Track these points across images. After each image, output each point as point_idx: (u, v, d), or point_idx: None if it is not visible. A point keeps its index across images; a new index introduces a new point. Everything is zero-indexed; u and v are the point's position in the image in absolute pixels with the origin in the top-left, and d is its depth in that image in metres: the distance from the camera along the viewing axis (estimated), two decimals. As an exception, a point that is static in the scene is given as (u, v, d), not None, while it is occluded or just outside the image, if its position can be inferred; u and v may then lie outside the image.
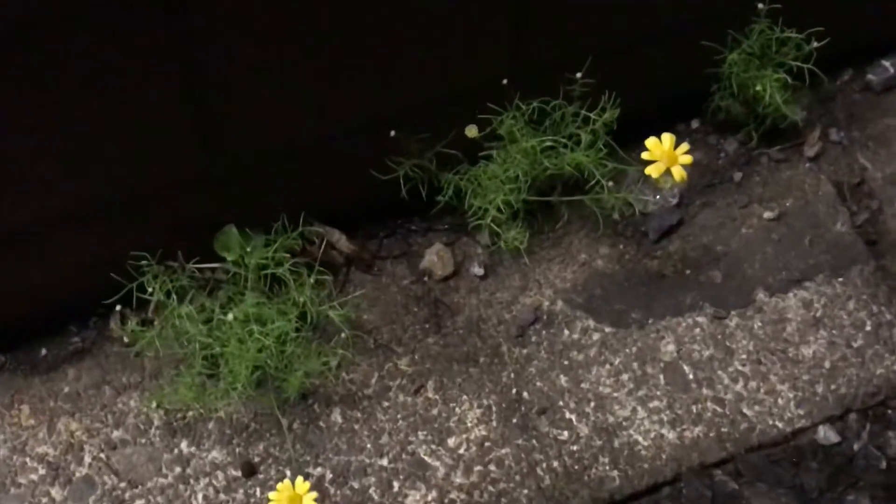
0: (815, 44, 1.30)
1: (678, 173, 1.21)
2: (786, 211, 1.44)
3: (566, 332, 1.37)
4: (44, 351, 1.35)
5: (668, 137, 1.21)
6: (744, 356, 1.35)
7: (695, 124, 1.49)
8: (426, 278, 1.40)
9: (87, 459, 1.30)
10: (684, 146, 1.23)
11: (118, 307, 1.29)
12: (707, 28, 1.31)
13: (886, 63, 1.51)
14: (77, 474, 1.29)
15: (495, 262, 1.41)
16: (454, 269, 1.40)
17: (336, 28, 1.15)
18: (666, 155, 1.20)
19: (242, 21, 1.09)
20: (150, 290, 1.22)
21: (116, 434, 1.31)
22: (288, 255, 1.28)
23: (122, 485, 1.28)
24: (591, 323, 1.37)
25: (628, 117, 1.32)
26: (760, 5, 1.28)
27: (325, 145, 1.27)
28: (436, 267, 1.40)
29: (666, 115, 1.44)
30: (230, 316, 1.18)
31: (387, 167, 1.31)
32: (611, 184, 1.30)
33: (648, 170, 1.21)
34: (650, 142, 1.21)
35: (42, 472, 1.29)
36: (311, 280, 1.27)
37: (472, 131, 1.24)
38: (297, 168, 1.28)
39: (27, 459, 1.29)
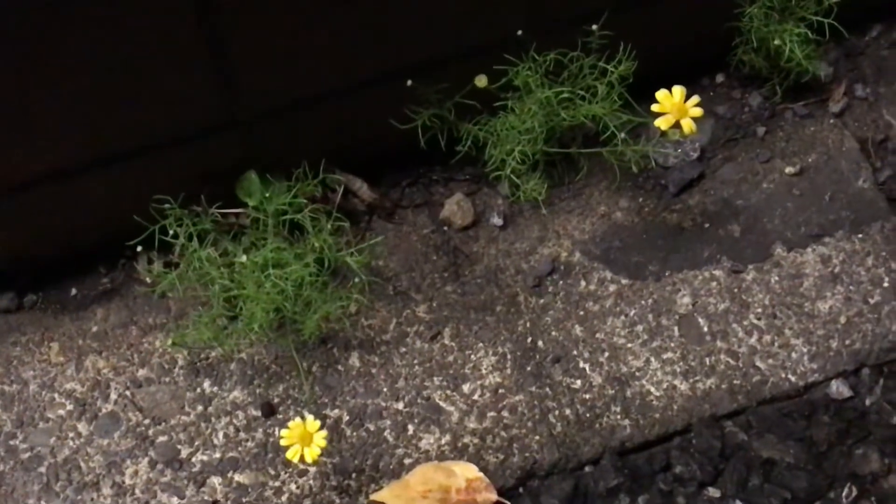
0: None
1: (687, 126, 1.22)
2: (808, 166, 1.44)
3: (583, 282, 1.39)
4: (73, 291, 1.40)
5: (678, 90, 1.22)
6: (759, 310, 1.36)
7: (719, 78, 1.49)
8: (446, 227, 1.42)
9: (113, 396, 1.34)
10: (695, 99, 1.23)
11: (141, 249, 1.32)
12: None
13: (917, 18, 1.50)
14: (103, 410, 1.33)
15: (515, 213, 1.43)
16: (474, 218, 1.42)
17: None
18: (676, 107, 1.21)
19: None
20: (171, 232, 1.26)
21: (142, 372, 1.35)
22: (307, 202, 1.31)
23: (146, 421, 1.33)
24: (608, 274, 1.39)
25: (650, 71, 1.33)
26: None
27: (344, 94, 1.30)
28: (455, 216, 1.42)
29: (690, 68, 1.45)
30: (244, 258, 1.21)
31: (407, 117, 1.33)
32: (623, 136, 1.30)
33: (658, 122, 1.21)
34: (660, 94, 1.22)
35: (70, 407, 1.33)
36: (329, 226, 1.29)
37: (481, 81, 1.26)
38: (318, 116, 1.31)
39: (55, 395, 1.34)
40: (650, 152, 1.35)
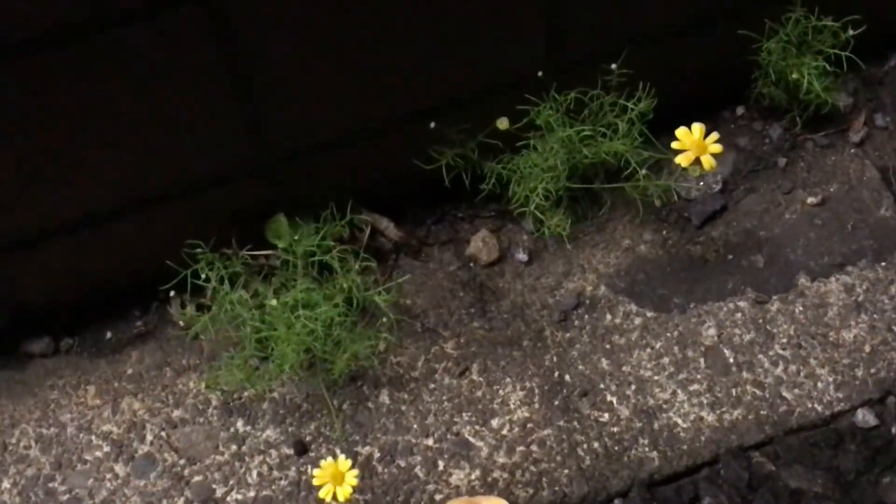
0: (852, 32, 1.31)
1: (707, 162, 1.23)
2: (829, 196, 1.44)
3: (608, 316, 1.40)
4: (108, 334, 1.42)
5: (697, 127, 1.23)
6: (784, 340, 1.37)
7: (740, 111, 1.50)
8: (472, 264, 1.43)
9: (149, 437, 1.36)
10: (714, 136, 1.24)
11: (173, 293, 1.35)
12: (742, 17, 1.33)
13: (935, 47, 1.51)
14: (139, 451, 1.35)
15: (539, 248, 1.44)
16: (499, 254, 1.43)
17: (375, 21, 1.19)
18: (695, 144, 1.22)
19: (284, 17, 1.14)
20: (203, 276, 1.28)
21: (176, 413, 1.37)
22: (335, 244, 1.33)
23: (182, 462, 1.35)
24: (634, 307, 1.40)
25: (671, 105, 1.34)
26: None
27: (368, 135, 1.32)
28: (481, 253, 1.43)
29: (710, 102, 1.46)
30: (273, 301, 1.24)
31: (431, 157, 1.36)
32: (645, 172, 1.31)
33: (678, 159, 1.22)
34: (680, 131, 1.23)
35: (106, 449, 1.36)
36: (357, 266, 1.31)
37: (503, 124, 1.27)
38: (342, 158, 1.33)
39: (93, 437, 1.36)
40: (672, 186, 1.35)
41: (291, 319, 1.28)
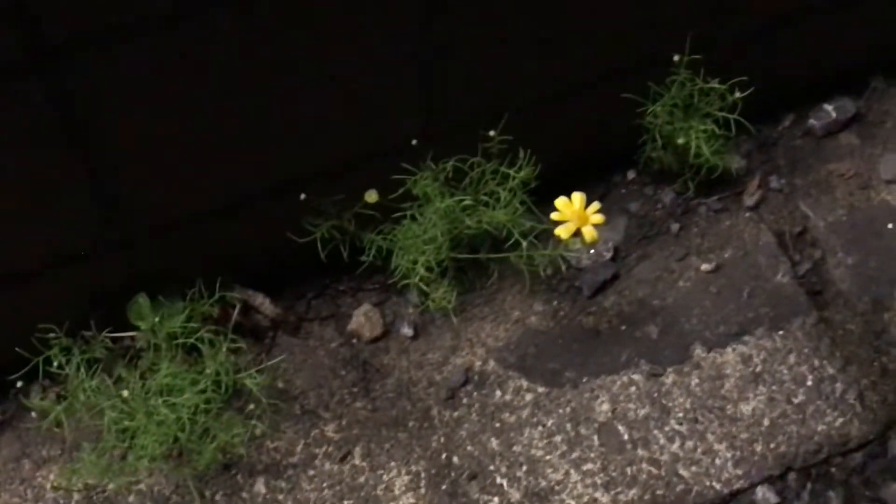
0: (739, 94, 1.28)
1: (588, 234, 1.19)
2: (724, 262, 1.41)
3: (498, 392, 1.34)
4: (-38, 424, 1.34)
5: (577, 197, 1.20)
6: (680, 414, 1.32)
7: (631, 175, 1.46)
8: (355, 340, 1.38)
9: (5, 536, 1.27)
10: (595, 205, 1.21)
11: (27, 381, 1.27)
12: (626, 81, 1.30)
13: (828, 107, 1.48)
14: (-6, 552, 1.26)
15: (426, 322, 1.39)
16: (383, 329, 1.38)
17: (241, 92, 1.13)
18: (576, 215, 1.19)
19: (137, 88, 1.08)
20: (56, 363, 1.20)
21: (35, 509, 1.29)
22: (203, 323, 1.26)
23: (41, 561, 1.26)
24: (524, 383, 1.35)
25: (558, 170, 1.30)
26: (676, 57, 1.26)
27: (235, 209, 1.26)
28: (364, 328, 1.38)
29: (599, 166, 1.43)
30: (125, 392, 1.16)
31: (306, 229, 1.30)
32: (531, 239, 1.27)
33: (558, 231, 1.19)
34: (559, 202, 1.19)
35: (-43, 550, 1.27)
36: (225, 348, 1.24)
37: (371, 196, 1.22)
38: (210, 232, 1.27)
39: (-58, 537, 1.27)
40: (561, 255, 1.30)
41: (153, 408, 1.19)
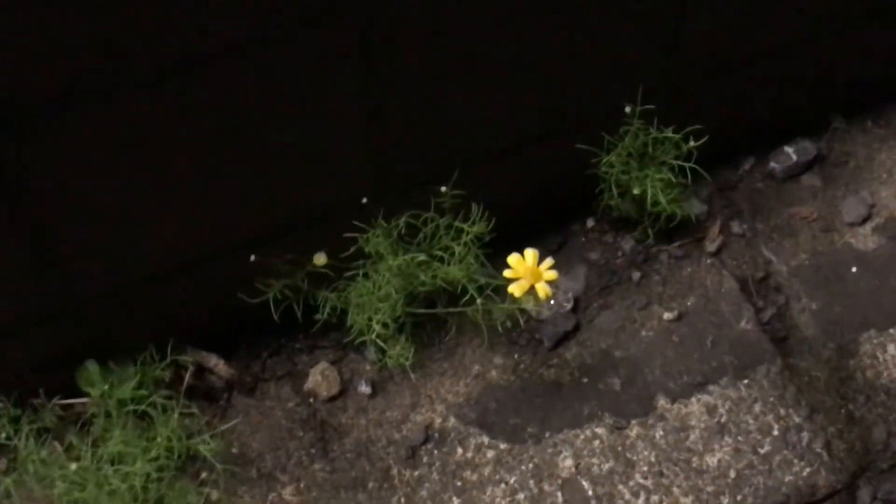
0: (693, 143, 1.27)
1: (542, 291, 1.18)
2: (687, 310, 1.39)
3: (459, 450, 1.32)
4: None
5: (530, 253, 1.18)
6: (645, 468, 1.30)
7: (590, 223, 1.45)
8: (312, 399, 1.36)
9: None
10: (548, 262, 1.19)
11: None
12: (579, 132, 1.28)
13: (789, 150, 1.47)
14: None
15: (384, 379, 1.37)
16: (341, 388, 1.36)
17: (184, 155, 1.11)
18: (529, 272, 1.17)
19: (77, 155, 1.06)
20: (3, 434, 1.17)
21: (-14, 583, 1.25)
22: (155, 388, 1.25)
23: None
24: (486, 439, 1.33)
25: (512, 222, 1.29)
26: (628, 108, 1.25)
27: (185, 270, 1.24)
28: (321, 387, 1.36)
29: (557, 215, 1.42)
30: (73, 465, 1.13)
31: (258, 289, 1.27)
32: (489, 293, 1.26)
33: (511, 288, 1.17)
34: (512, 258, 1.18)
35: None
36: (177, 413, 1.22)
37: (320, 259, 1.21)
38: (159, 295, 1.25)
39: None
40: (519, 308, 1.28)
41: (104, 477, 1.16)
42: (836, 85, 1.46)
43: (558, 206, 1.40)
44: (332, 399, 1.36)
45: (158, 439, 1.17)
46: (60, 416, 1.26)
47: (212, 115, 1.06)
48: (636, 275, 1.42)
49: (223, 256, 1.24)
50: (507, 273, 1.18)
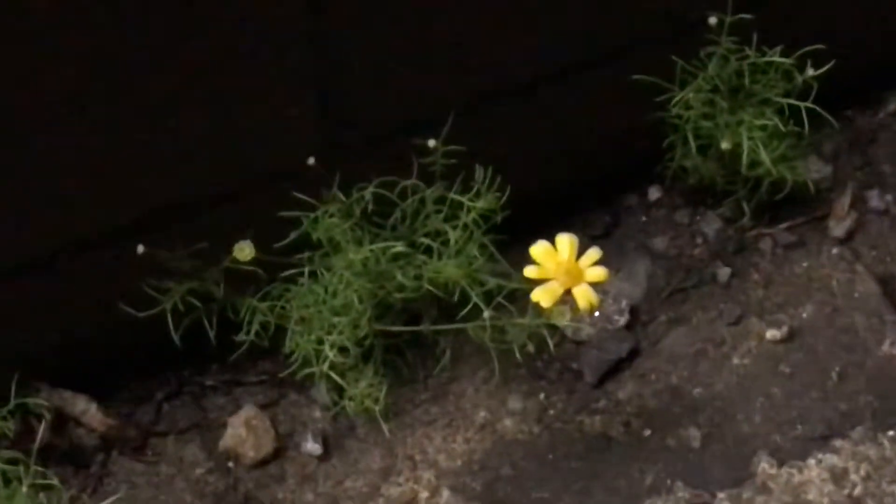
0: (812, 70, 1.29)
1: (584, 298, 1.19)
2: (801, 327, 1.43)
3: (456, 542, 1.35)
4: None
5: (565, 241, 1.19)
6: (740, 566, 1.33)
7: (654, 194, 1.50)
8: (231, 463, 1.39)
9: None
10: (593, 254, 1.21)
11: None
12: (638, 55, 1.32)
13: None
14: None
15: (341, 432, 1.41)
16: (276, 446, 1.39)
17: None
18: (563, 269, 1.18)
19: None
20: None
21: None
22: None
23: None
24: (496, 525, 1.35)
25: (534, 195, 1.33)
26: (713, 19, 1.26)
27: (33, 269, 1.26)
28: (245, 445, 1.39)
29: (604, 184, 1.46)
30: None
31: (149, 297, 1.29)
32: (500, 300, 1.27)
33: (535, 295, 1.18)
34: (537, 249, 1.19)
35: None
36: (26, 486, 1.22)
37: (242, 252, 1.20)
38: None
39: None
40: (545, 323, 1.29)
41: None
42: None
43: (606, 170, 1.44)
44: (263, 463, 1.39)
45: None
46: None
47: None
48: (724, 272, 1.46)
49: (94, 247, 1.26)
50: (528, 271, 1.19)
